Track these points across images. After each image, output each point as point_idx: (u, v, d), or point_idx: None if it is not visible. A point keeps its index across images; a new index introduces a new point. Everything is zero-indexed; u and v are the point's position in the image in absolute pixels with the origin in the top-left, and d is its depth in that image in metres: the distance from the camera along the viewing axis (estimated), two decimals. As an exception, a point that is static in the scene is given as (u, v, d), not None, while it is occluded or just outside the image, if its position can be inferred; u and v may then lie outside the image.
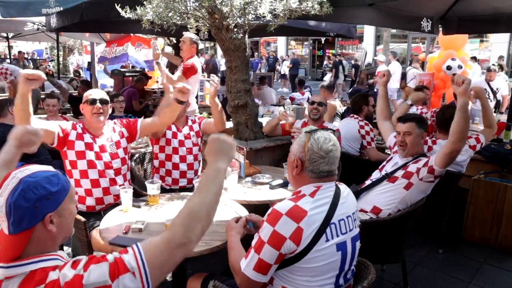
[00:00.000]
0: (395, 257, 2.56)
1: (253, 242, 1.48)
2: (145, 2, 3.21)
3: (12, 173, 1.06)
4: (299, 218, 1.41)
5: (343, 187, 1.60)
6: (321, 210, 1.46)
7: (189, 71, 4.47)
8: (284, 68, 16.18)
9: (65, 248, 3.00)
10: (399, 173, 2.48)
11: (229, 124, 4.31)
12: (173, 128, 2.98)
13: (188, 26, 3.68)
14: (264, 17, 3.06)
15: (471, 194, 3.46)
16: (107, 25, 6.61)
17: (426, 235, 3.58)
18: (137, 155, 3.29)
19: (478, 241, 3.44)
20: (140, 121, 2.69)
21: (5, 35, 10.40)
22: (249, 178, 2.81)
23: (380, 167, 2.69)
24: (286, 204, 1.46)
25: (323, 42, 21.64)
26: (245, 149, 2.79)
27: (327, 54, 20.51)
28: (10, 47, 11.92)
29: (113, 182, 2.52)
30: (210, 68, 14.85)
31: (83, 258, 1.05)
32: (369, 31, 18.47)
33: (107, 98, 2.51)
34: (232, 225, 1.75)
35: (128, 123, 2.67)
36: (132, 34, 8.28)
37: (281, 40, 22.65)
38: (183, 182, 2.99)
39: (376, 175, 2.65)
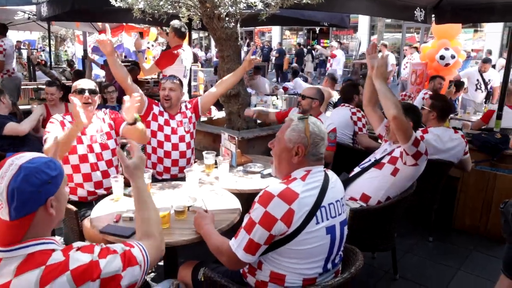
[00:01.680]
0: (385, 245, 2.60)
1: (244, 223, 1.50)
2: (136, -10, 3.17)
3: (8, 160, 1.09)
4: (291, 200, 1.43)
5: (330, 173, 1.63)
6: (312, 193, 1.48)
7: (163, 61, 4.38)
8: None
9: (57, 237, 3.00)
10: (386, 159, 2.51)
11: (222, 114, 4.32)
12: (165, 115, 2.96)
13: (180, 15, 3.65)
14: (255, 6, 3.04)
15: (462, 182, 3.50)
16: (99, 14, 6.51)
17: (416, 223, 3.63)
18: (128, 145, 3.28)
19: (468, 229, 3.50)
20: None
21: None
22: (240, 167, 2.82)
23: (370, 155, 2.72)
24: (278, 186, 1.48)
25: (317, 32, 21.59)
26: (236, 138, 2.79)
27: (321, 44, 20.43)
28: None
29: (105, 174, 2.52)
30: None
31: (95, 246, 1.13)
32: (363, 21, 18.40)
33: (96, 88, 2.50)
34: (204, 215, 1.85)
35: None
36: (124, 24, 8.17)
37: (275, 30, 22.51)
38: (174, 171, 2.98)
39: (365, 162, 2.67)
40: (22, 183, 1.03)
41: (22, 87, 6.69)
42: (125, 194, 2.27)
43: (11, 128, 3.42)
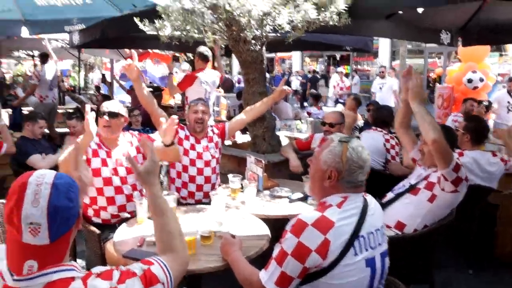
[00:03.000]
0: (423, 277, 2.41)
1: (274, 253, 1.40)
2: (163, 16, 3.23)
3: (29, 181, 1.00)
4: (326, 229, 1.33)
5: (369, 198, 1.51)
6: (349, 221, 1.37)
7: (183, 82, 4.57)
8: (296, 83, 16.22)
9: (79, 261, 2.95)
10: (422, 184, 2.36)
11: (246, 138, 4.27)
12: (191, 140, 2.92)
13: (206, 40, 3.69)
14: (282, 28, 3.03)
15: (501, 209, 3.28)
16: (127, 41, 6.73)
17: (455, 252, 3.39)
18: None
19: (510, 259, 3.24)
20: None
21: (31, 53, 10.71)
22: (267, 191, 2.73)
23: (404, 180, 2.58)
24: (312, 214, 1.38)
25: (338, 58, 21.65)
26: (263, 162, 2.71)
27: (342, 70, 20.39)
28: (35, 65, 12.28)
29: (129, 198, 2.47)
30: (227, 86, 14.96)
31: (113, 270, 1.07)
32: (384, 46, 18.34)
33: (119, 111, 2.44)
34: (231, 241, 1.74)
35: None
36: (150, 51, 8.42)
37: (295, 57, 22.71)
38: (199, 196, 2.92)
39: (399, 187, 2.53)
40: (63, 200, 1.00)
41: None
42: (149, 218, 2.20)
43: (34, 161, 3.45)
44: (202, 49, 4.59)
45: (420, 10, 3.87)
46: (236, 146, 4.06)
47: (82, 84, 11.87)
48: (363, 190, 1.49)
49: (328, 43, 5.99)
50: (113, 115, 2.43)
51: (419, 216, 2.31)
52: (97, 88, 11.50)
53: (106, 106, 2.47)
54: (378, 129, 3.75)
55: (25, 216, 0.96)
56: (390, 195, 2.51)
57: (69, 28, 6.05)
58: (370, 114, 4.92)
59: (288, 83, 16.31)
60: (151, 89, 7.98)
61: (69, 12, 6.10)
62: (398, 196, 2.43)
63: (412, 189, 2.39)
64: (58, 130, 5.77)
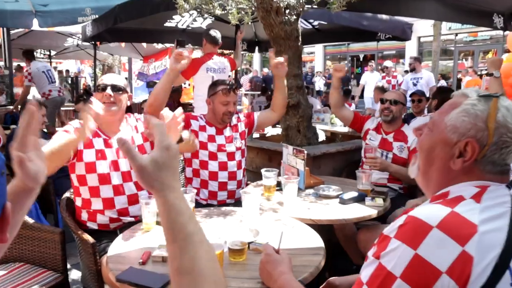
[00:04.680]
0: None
1: (366, 274, 0.80)
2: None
3: None
4: (464, 237, 0.73)
5: None
6: (497, 225, 0.77)
7: (187, 69, 3.87)
8: (320, 84, 15.62)
9: (74, 275, 2.44)
10: None
11: (276, 131, 3.70)
12: (210, 130, 2.36)
13: (230, 17, 3.13)
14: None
15: None
16: (141, 34, 6.32)
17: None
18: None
19: None
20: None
21: (47, 52, 10.48)
22: (310, 190, 2.14)
23: None
24: (436, 210, 0.79)
25: (361, 59, 20.95)
26: (305, 153, 2.13)
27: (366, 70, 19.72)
28: (55, 68, 12.09)
29: (133, 199, 1.91)
30: (253, 86, 14.45)
31: None
32: (411, 47, 17.56)
33: (123, 85, 1.94)
34: (276, 258, 1.16)
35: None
36: (168, 46, 8.01)
37: (318, 59, 22.22)
38: (222, 196, 2.35)
39: None
40: None
41: (64, 108, 6.54)
42: (158, 223, 1.64)
43: None
44: (210, 30, 3.99)
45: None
46: (265, 140, 3.49)
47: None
48: (508, 179, 0.88)
49: (360, 28, 5.35)
50: (117, 88, 1.90)
51: None
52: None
53: (106, 78, 1.95)
54: None
55: None
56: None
57: (82, 19, 5.70)
58: (415, 104, 4.27)
59: (312, 84, 15.75)
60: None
61: (81, 1, 5.73)
62: None
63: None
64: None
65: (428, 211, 0.79)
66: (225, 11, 2.98)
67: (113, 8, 4.75)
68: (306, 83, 15.47)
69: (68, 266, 2.62)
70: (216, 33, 4.01)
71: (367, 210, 1.87)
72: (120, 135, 1.91)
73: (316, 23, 5.81)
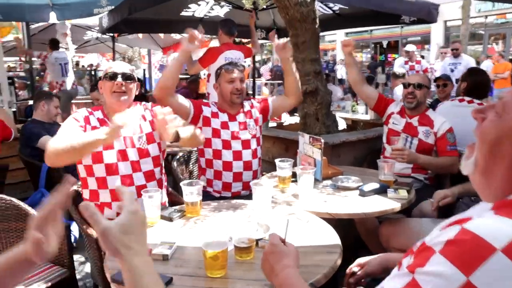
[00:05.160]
0: None
1: (393, 287, 0.65)
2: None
3: None
4: None
5: None
6: None
7: (205, 57, 3.90)
8: (342, 72, 15.21)
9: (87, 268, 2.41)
10: None
11: (294, 119, 3.56)
12: (222, 117, 2.25)
13: (244, 1, 3.00)
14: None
15: None
16: (159, 24, 6.27)
17: None
18: (180, 154, 2.62)
19: None
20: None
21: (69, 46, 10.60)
22: (328, 181, 2.00)
23: None
24: (502, 226, 0.61)
25: (385, 46, 20.31)
26: (322, 141, 1.98)
27: (389, 58, 19.11)
28: (78, 62, 12.24)
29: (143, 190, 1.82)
30: (273, 75, 14.23)
31: None
32: (437, 32, 16.85)
33: (132, 73, 1.87)
34: (280, 249, 1.00)
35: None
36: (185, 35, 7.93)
37: (338, 48, 21.76)
38: (237, 187, 2.24)
39: None
40: None
41: (77, 101, 6.60)
42: (163, 217, 1.55)
43: (45, 142, 2.93)
44: (225, 20, 3.96)
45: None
46: (282, 129, 3.35)
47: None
48: None
49: (382, 11, 5.07)
50: (127, 77, 1.83)
51: None
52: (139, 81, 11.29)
53: (115, 66, 1.87)
54: (475, 100, 2.75)
55: None
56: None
57: (98, 11, 5.68)
58: (440, 89, 3.98)
59: (333, 72, 15.38)
60: (187, 76, 7.51)
61: (97, -9, 5.69)
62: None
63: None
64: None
65: (492, 227, 0.61)
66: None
67: (127, -2, 4.70)
68: (328, 71, 15.15)
69: (81, 260, 2.60)
70: (231, 23, 3.98)
71: (389, 203, 1.72)
72: (123, 115, 1.80)
73: (336, 7, 5.57)
